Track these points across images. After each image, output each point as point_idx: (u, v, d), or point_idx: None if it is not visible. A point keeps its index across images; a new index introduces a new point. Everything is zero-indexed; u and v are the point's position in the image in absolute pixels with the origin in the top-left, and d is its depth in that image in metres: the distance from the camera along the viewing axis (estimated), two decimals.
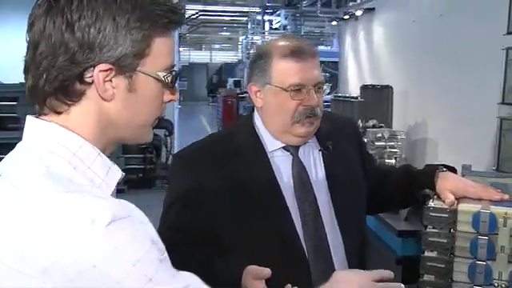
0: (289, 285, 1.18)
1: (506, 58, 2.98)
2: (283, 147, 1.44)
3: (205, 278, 0.85)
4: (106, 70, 0.81)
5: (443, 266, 1.29)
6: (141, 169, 7.34)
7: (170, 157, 7.74)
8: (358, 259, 1.44)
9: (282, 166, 1.42)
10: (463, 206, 1.28)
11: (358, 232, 1.47)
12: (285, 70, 1.37)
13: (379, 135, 3.27)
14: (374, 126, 3.51)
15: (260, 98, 1.43)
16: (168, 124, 7.64)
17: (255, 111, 1.49)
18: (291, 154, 1.44)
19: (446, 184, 1.39)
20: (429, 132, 3.94)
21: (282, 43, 1.41)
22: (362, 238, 1.52)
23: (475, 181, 1.51)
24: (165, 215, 1.42)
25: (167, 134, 7.77)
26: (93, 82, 0.81)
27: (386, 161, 3.21)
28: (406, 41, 4.51)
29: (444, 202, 1.34)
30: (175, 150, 7.72)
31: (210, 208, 1.35)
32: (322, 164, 1.46)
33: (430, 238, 1.29)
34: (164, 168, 7.39)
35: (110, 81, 0.82)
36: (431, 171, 1.45)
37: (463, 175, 1.66)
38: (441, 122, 3.80)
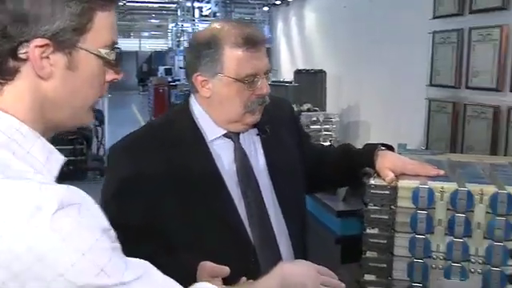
0: (244, 278, 1.17)
1: (432, 42, 3.09)
2: (224, 134, 1.41)
3: None
4: (43, 46, 0.75)
5: (385, 241, 1.32)
6: (71, 161, 7.08)
7: (102, 147, 7.52)
8: (302, 243, 1.45)
9: (224, 154, 1.40)
10: (403, 183, 1.31)
11: (299, 216, 1.48)
12: (239, 60, 1.32)
13: (314, 119, 3.31)
14: (308, 110, 3.56)
15: (207, 88, 1.37)
16: (98, 114, 7.41)
17: (193, 99, 1.44)
18: (232, 140, 1.41)
19: (386, 162, 1.42)
20: (361, 115, 4.05)
21: (232, 30, 1.35)
22: (303, 220, 1.53)
23: (412, 158, 1.56)
24: (103, 212, 1.35)
25: (97, 124, 7.54)
26: (28, 58, 0.75)
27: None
28: (338, 26, 4.59)
29: (384, 179, 1.36)
30: (106, 141, 7.49)
31: (152, 199, 1.30)
32: (262, 149, 1.45)
33: (371, 215, 1.32)
34: (96, 159, 7.17)
35: (48, 57, 0.76)
36: (370, 150, 1.47)
37: (399, 153, 1.71)
38: (373, 105, 3.91)
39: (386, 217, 1.31)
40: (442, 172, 1.37)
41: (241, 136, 1.42)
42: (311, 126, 3.31)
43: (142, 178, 1.30)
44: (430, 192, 1.27)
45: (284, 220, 1.41)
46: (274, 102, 1.58)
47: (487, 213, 1.24)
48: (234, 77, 1.32)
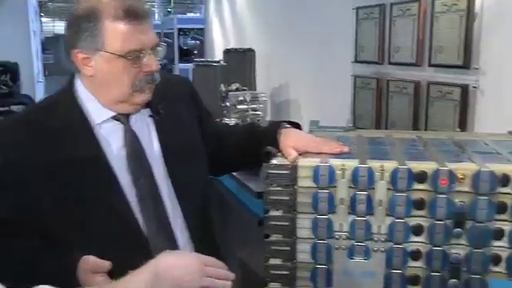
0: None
1: (356, 18, 3.07)
2: (112, 117, 1.30)
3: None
4: None
5: (288, 223, 1.27)
6: None
7: None
8: (202, 230, 1.36)
9: (112, 138, 1.29)
10: (303, 161, 1.26)
11: (199, 202, 1.39)
12: (120, 35, 1.22)
13: (241, 98, 3.24)
14: (237, 90, 3.47)
15: (89, 66, 1.26)
16: (27, 100, 7.05)
17: (76, 80, 1.32)
18: (122, 123, 1.31)
19: (288, 141, 1.36)
20: (292, 93, 4.00)
21: (112, 2, 1.24)
22: (205, 206, 1.44)
23: (322, 136, 1.51)
24: None
25: None
26: None
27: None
28: (268, 3, 4.51)
29: (287, 158, 1.30)
30: None
31: (23, 193, 1.19)
32: (155, 131, 1.35)
33: (271, 197, 1.26)
34: None
35: None
36: (274, 129, 1.41)
37: (311, 131, 1.66)
38: (303, 83, 3.86)
39: (287, 198, 1.25)
40: (345, 149, 1.33)
41: (132, 118, 1.32)
42: (238, 106, 3.23)
43: (10, 171, 1.18)
44: (331, 170, 1.22)
45: (180, 207, 1.32)
46: (170, 80, 1.49)
47: (388, 189, 1.21)
48: (116, 53, 1.22)
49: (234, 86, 3.49)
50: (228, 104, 3.24)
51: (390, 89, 2.77)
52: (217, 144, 1.50)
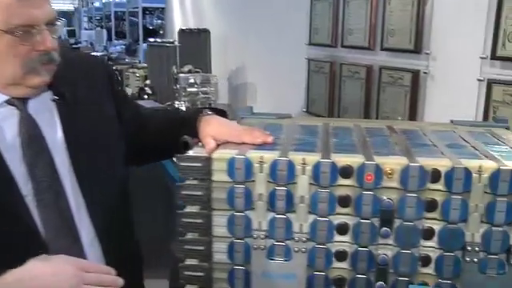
0: None
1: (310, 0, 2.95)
2: (6, 101, 1.16)
3: None
4: None
5: (203, 221, 1.15)
6: None
7: None
8: (112, 228, 1.23)
9: (6, 125, 1.14)
10: (217, 153, 1.14)
11: (108, 196, 1.25)
12: (5, 7, 1.06)
13: (191, 81, 3.09)
14: (189, 72, 3.32)
15: None
16: None
17: None
18: (18, 108, 1.16)
19: (209, 129, 1.24)
20: (248, 76, 3.88)
21: None
22: (117, 201, 1.29)
23: (250, 124, 1.39)
24: None
25: None
26: None
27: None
28: None
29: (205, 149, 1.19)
30: None
31: None
32: (59, 117, 1.21)
33: (185, 192, 1.14)
34: None
35: None
36: (193, 116, 1.28)
37: (242, 118, 1.54)
38: (259, 66, 3.74)
39: (201, 193, 1.13)
40: (270, 139, 1.21)
41: (30, 102, 1.18)
42: (188, 89, 3.08)
43: None
44: (248, 163, 1.10)
45: (85, 203, 1.19)
46: (83, 60, 1.35)
47: (311, 184, 1.10)
48: (1, 28, 1.07)
49: (186, 68, 3.34)
50: (177, 86, 3.10)
51: (343, 73, 2.68)
52: (137, 130, 1.37)
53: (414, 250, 1.10)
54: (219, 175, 1.12)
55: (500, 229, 1.07)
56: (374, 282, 1.13)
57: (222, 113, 1.35)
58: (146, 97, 3.58)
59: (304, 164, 1.09)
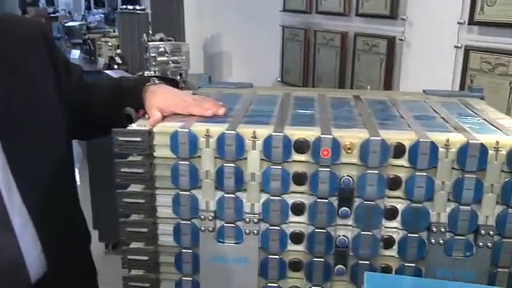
0: None
1: None
2: None
3: None
4: None
5: (145, 201, 1.04)
6: None
7: None
8: (48, 209, 1.11)
9: None
10: (159, 126, 1.03)
11: (46, 175, 1.12)
12: None
13: (161, 49, 2.94)
14: (161, 40, 3.17)
15: None
16: None
17: None
18: None
19: (155, 100, 1.12)
20: (224, 45, 3.73)
21: None
22: (57, 181, 1.16)
23: (207, 94, 1.28)
24: None
25: None
26: None
27: (170, 77, 2.91)
28: None
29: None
30: None
31: None
32: None
33: (124, 169, 1.03)
34: None
35: None
36: (138, 86, 1.16)
37: (199, 87, 1.43)
38: (235, 34, 3.60)
39: (142, 170, 1.02)
40: (221, 111, 1.10)
41: None
42: (158, 58, 2.94)
43: None
44: (192, 137, 0.99)
45: (16, 183, 1.06)
46: (16, 22, 1.21)
47: (262, 160, 1.00)
48: None
49: (157, 36, 3.18)
50: (147, 55, 2.95)
51: (318, 40, 2.55)
52: (80, 101, 1.24)
53: (375, 231, 1.01)
54: (162, 151, 1.01)
55: (468, 208, 0.98)
56: (333, 265, 1.04)
57: (173, 83, 1.23)
58: (116, 67, 3.43)
59: (254, 138, 0.98)
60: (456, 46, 1.76)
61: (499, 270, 1.02)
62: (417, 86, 1.77)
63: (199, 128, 1.00)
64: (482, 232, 0.99)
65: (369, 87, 2.00)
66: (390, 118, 1.14)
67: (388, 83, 2.07)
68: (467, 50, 1.72)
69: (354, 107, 1.23)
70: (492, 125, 1.08)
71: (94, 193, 3.05)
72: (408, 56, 2.01)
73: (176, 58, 2.95)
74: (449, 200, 0.99)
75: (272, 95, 1.33)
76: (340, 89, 2.12)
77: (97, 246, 3.19)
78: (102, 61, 4.00)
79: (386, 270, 1.04)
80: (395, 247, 1.03)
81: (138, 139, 1.00)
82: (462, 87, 1.72)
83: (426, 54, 1.93)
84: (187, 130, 0.99)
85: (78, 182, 3.34)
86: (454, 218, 0.99)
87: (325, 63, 2.51)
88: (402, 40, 2.01)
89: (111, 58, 3.60)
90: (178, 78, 2.87)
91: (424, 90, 1.41)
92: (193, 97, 1.15)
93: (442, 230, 0.99)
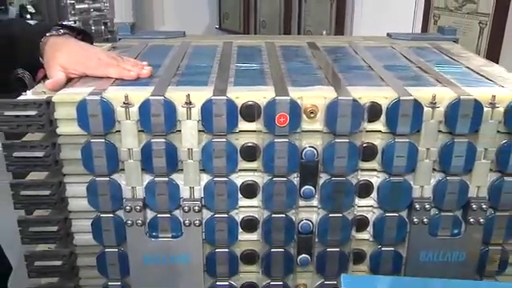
0: None
1: None
2: None
3: None
4: None
5: (51, 192, 0.80)
6: None
7: None
8: None
9: None
10: (61, 94, 0.77)
11: None
12: None
13: None
14: None
15: None
16: None
17: None
18: None
19: (58, 56, 0.85)
20: None
21: None
22: None
23: (129, 47, 1.03)
24: None
25: None
26: None
27: (93, 28, 2.58)
28: None
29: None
30: None
31: None
32: None
33: (17, 153, 0.77)
34: None
35: None
36: (36, 37, 0.88)
37: (119, 39, 1.17)
38: None
39: (42, 154, 0.77)
40: (146, 72, 0.85)
41: None
42: (77, 6, 2.59)
43: None
44: (106, 107, 0.75)
45: None
46: None
47: (201, 132, 0.77)
48: None
49: None
50: (65, 2, 2.59)
51: None
52: None
53: (345, 212, 0.82)
54: (67, 126, 0.76)
55: (457, 178, 0.80)
56: (295, 255, 0.85)
57: (86, 36, 0.96)
58: (28, 16, 3.03)
59: (189, 104, 0.75)
60: None
61: (490, 247, 0.86)
62: (372, 30, 1.58)
63: (115, 94, 0.75)
64: (474, 206, 0.82)
65: (324, 32, 1.78)
66: (356, 69, 0.93)
67: (340, 27, 1.86)
68: None
69: (311, 58, 1.01)
70: (479, 74, 0.89)
71: None
72: None
73: (98, 4, 2.60)
74: (434, 170, 0.80)
75: (209, 46, 1.09)
76: (292, 35, 1.89)
77: None
78: (13, 10, 3.54)
79: (359, 256, 0.86)
80: (370, 229, 0.84)
81: (33, 113, 0.75)
82: (424, 29, 1.53)
83: None
84: (99, 98, 0.74)
85: None
86: (440, 191, 0.81)
87: (268, 6, 2.26)
88: None
89: (22, 7, 3.17)
90: (102, 28, 2.54)
91: (388, 34, 1.21)
92: (108, 53, 0.89)
93: (426, 206, 0.81)
